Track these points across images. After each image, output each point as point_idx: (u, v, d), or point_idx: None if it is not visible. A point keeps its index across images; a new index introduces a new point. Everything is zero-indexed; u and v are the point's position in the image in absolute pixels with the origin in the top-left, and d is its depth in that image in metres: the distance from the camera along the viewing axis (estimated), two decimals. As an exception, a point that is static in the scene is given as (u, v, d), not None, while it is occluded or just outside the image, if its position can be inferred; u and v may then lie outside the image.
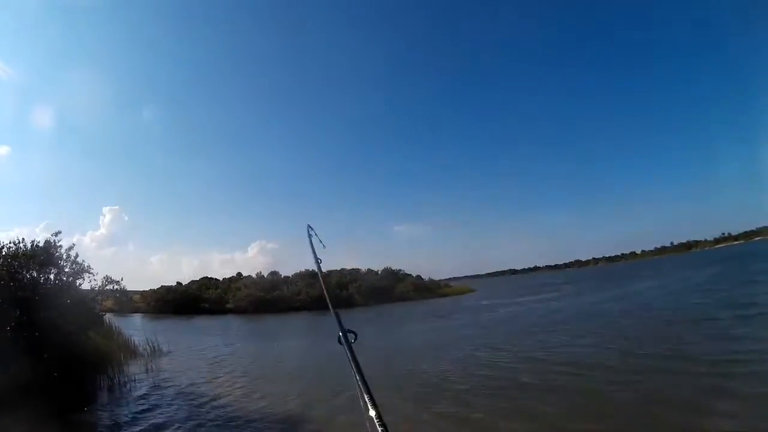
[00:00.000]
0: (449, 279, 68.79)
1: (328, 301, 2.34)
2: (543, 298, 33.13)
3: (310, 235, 3.09)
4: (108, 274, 11.87)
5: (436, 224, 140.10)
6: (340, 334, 1.91)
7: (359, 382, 1.62)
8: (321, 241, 3.08)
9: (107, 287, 11.81)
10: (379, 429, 1.44)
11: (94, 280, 11.34)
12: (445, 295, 47.14)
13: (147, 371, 13.07)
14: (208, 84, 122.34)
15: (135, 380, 11.95)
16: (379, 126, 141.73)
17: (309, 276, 39.08)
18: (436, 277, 54.02)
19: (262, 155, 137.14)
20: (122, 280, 12.06)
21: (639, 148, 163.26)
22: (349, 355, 1.79)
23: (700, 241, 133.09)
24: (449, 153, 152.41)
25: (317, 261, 2.91)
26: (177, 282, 46.88)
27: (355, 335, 1.95)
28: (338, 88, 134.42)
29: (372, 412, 1.49)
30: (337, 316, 2.11)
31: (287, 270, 46.81)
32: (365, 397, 1.54)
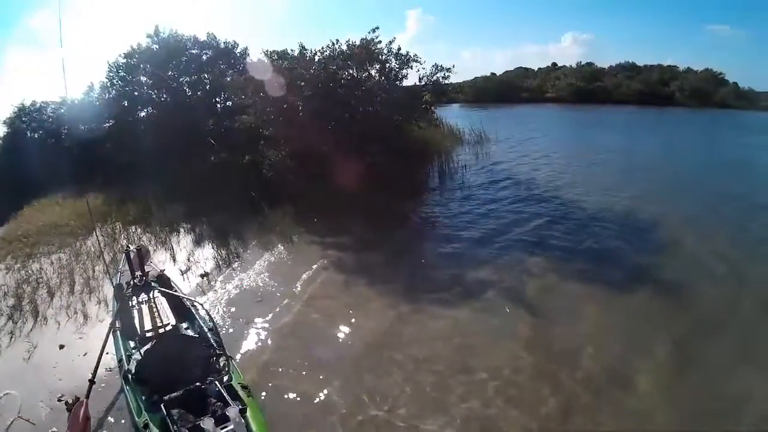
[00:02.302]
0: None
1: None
2: None
3: None
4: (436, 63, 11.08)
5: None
6: None
7: None
8: None
9: (437, 75, 11.10)
10: None
11: (423, 68, 10.94)
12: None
13: (476, 157, 13.17)
14: None
15: (465, 167, 11.99)
16: None
17: (629, 68, 37.71)
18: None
19: None
20: (453, 66, 11.01)
21: None
22: None
23: None
24: None
25: None
26: (491, 72, 44.83)
27: None
28: None
29: None
30: None
31: (601, 62, 43.03)
32: None
